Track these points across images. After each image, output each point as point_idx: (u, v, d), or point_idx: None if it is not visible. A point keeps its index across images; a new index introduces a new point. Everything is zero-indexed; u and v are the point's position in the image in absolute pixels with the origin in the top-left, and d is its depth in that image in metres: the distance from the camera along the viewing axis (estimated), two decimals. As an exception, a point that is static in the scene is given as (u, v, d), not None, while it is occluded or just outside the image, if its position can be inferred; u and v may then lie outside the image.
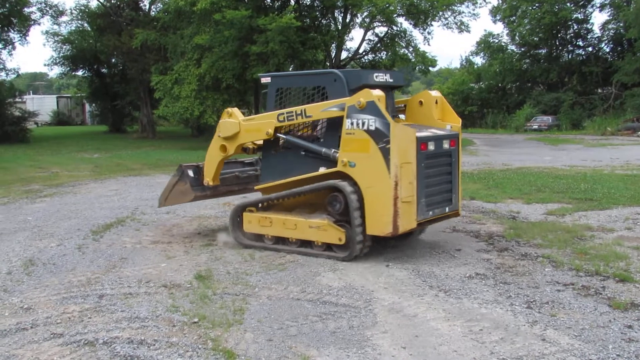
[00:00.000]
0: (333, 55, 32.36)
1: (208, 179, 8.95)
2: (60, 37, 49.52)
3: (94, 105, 59.05)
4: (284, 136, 8.35)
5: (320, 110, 7.97)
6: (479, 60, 55.66)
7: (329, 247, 7.93)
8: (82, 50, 48.61)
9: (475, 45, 55.16)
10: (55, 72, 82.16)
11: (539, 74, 48.47)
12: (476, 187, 14.37)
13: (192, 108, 29.35)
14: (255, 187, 8.91)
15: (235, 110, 8.74)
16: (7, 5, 40.20)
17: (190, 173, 9.09)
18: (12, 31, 42.97)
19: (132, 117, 50.97)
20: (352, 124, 7.62)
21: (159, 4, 43.38)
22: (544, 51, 50.16)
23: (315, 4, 31.97)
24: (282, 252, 8.20)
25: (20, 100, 45.33)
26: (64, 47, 50.34)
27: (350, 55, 34.53)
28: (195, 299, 6.32)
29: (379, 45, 32.96)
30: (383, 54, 33.66)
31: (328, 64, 32.38)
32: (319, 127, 8.44)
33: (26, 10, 42.41)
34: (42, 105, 59.86)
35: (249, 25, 26.94)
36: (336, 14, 32.25)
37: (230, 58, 28.20)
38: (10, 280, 7.14)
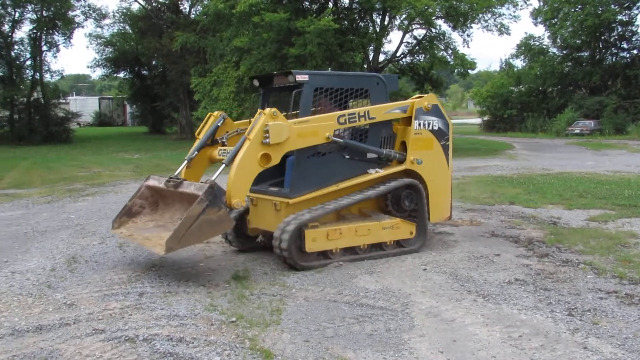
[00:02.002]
0: (371, 57, 32.28)
1: (239, 199, 7.03)
2: (102, 39, 50.67)
3: (134, 106, 60.19)
4: (341, 140, 7.87)
5: (383, 112, 8.18)
6: (519, 63, 54.97)
7: (398, 244, 8.21)
8: (123, 52, 49.60)
9: (515, 47, 54.33)
10: (97, 73, 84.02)
11: (581, 77, 47.56)
12: (516, 192, 14.16)
13: (230, 110, 29.60)
14: (291, 201, 7.63)
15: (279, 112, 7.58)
16: (52, 9, 41.29)
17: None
18: (57, 34, 44.15)
19: (172, 118, 51.75)
20: (419, 124, 8.38)
21: (198, 7, 44.02)
22: (586, 54, 49.22)
23: (354, 6, 31.94)
24: (353, 262, 7.71)
25: (64, 101, 46.49)
26: (107, 49, 51.47)
27: (387, 57, 34.43)
28: (233, 299, 6.38)
29: (417, 47, 32.76)
30: (421, 57, 33.46)
31: (366, 66, 32.31)
32: (357, 130, 8.37)
33: (70, 13, 43.63)
34: (85, 107, 61.27)
35: (288, 28, 27.06)
36: (374, 16, 32.14)
37: (268, 60, 28.37)
38: (54, 276, 7.30)
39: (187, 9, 46.54)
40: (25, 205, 13.19)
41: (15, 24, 42.30)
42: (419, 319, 5.79)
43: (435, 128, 8.50)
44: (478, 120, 59.13)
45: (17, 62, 42.94)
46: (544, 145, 34.20)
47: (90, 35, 53.84)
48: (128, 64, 53.00)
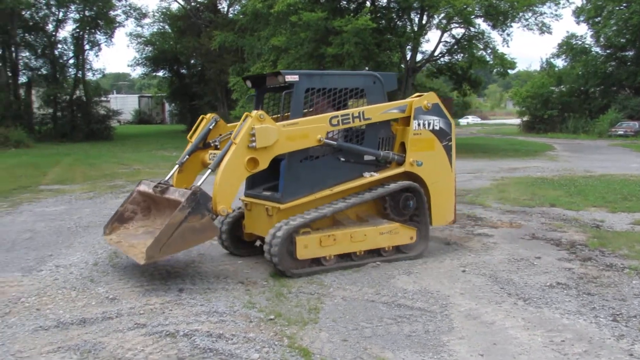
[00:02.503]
0: (408, 57, 32.09)
1: (224, 206, 6.72)
2: (142, 38, 51.44)
3: (173, 104, 61.02)
4: (334, 142, 7.51)
5: (380, 113, 7.83)
6: (560, 63, 53.89)
7: (397, 250, 7.91)
8: (163, 51, 50.28)
9: (556, 47, 53.32)
10: (137, 72, 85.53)
11: (625, 77, 46.37)
12: (557, 194, 13.89)
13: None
14: (282, 206, 7.27)
15: (267, 115, 7.15)
16: (94, 9, 42.11)
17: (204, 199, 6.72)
18: (99, 33, 45.01)
19: (210, 117, 52.27)
20: (419, 124, 8.01)
21: (237, 6, 44.36)
22: (631, 53, 47.94)
23: (391, 5, 31.78)
24: (347, 269, 7.41)
25: (105, 99, 47.38)
26: (146, 48, 52.24)
27: (425, 57, 34.17)
28: (271, 297, 6.41)
29: (455, 47, 32.43)
30: (459, 56, 33.12)
31: (403, 65, 32.14)
32: (352, 132, 7.96)
33: (112, 13, 44.35)
34: (125, 105, 62.32)
35: (325, 27, 27.08)
36: (412, 15, 31.95)
37: (305, 60, 28.41)
38: (97, 271, 7.44)
39: (226, 9, 47.04)
40: (68, 201, 13.48)
41: (59, 23, 43.32)
42: (458, 321, 5.73)
43: (437, 128, 8.12)
44: (517, 121, 58.31)
45: (61, 61, 43.98)
46: (585, 147, 33.52)
47: (130, 34, 54.89)
48: (167, 62, 53.73)
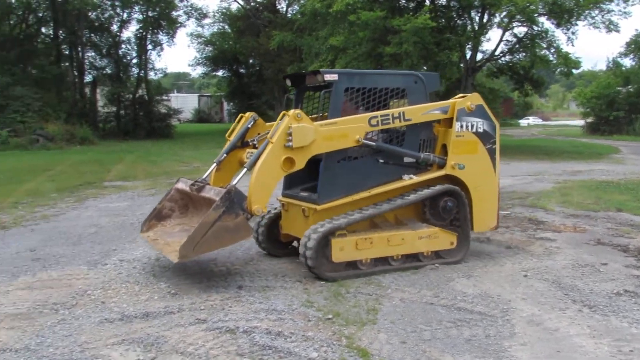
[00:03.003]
0: (468, 56, 31.59)
1: (259, 206, 6.64)
2: (203, 38, 52.32)
3: (231, 104, 61.80)
4: (373, 143, 7.35)
5: (421, 114, 7.61)
6: (628, 62, 51.91)
7: (437, 255, 7.69)
8: (222, 51, 51.05)
9: (624, 45, 51.36)
10: (197, 72, 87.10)
11: (697, 77, 44.35)
12: (623, 198, 13.40)
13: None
14: (319, 207, 7.18)
15: (304, 114, 7.00)
16: (157, 10, 43.14)
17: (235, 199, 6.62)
18: (161, 33, 46.09)
19: (267, 116, 52.80)
20: (461, 126, 7.78)
21: (295, 6, 44.64)
22: (703, 52, 45.84)
23: (452, 4, 31.33)
24: (382, 273, 7.22)
25: (166, 98, 48.49)
26: (206, 48, 53.14)
27: (485, 56, 33.56)
28: (329, 296, 6.41)
29: (517, 46, 31.70)
30: (521, 55, 32.34)
31: (462, 65, 31.67)
32: (392, 133, 7.81)
33: (173, 13, 45.34)
34: (185, 103, 63.59)
35: (384, 26, 26.92)
36: (473, 14, 31.39)
37: (363, 59, 28.32)
38: (158, 266, 7.62)
39: (284, 9, 47.39)
40: (131, 197, 13.85)
41: (123, 24, 44.59)
42: (520, 326, 5.60)
43: (480, 130, 7.84)
44: (580, 122, 56.55)
45: (124, 61, 45.27)
46: (653, 149, 32.26)
47: (191, 34, 55.90)
48: (226, 62, 54.51)
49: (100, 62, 44.96)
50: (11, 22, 40.77)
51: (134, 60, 46.16)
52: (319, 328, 5.47)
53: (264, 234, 8.09)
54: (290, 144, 6.70)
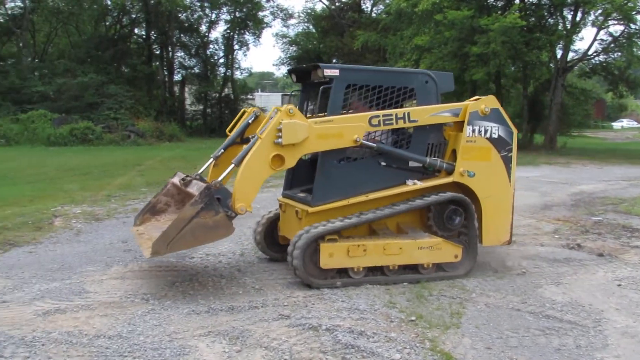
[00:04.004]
0: (558, 56, 30.48)
1: (243, 204, 6.23)
2: (287, 38, 52.95)
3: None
4: (375, 144, 6.90)
5: (428, 115, 7.04)
6: None
7: (439, 267, 7.11)
8: (306, 51, 51.41)
9: None
10: (281, 71, 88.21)
11: None
12: None
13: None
14: (311, 210, 6.76)
15: (296, 110, 6.55)
16: (244, 10, 44.15)
17: (218, 196, 6.27)
18: (248, 34, 47.12)
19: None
20: (473, 131, 7.17)
21: (380, 6, 44.49)
22: None
23: (543, 2, 30.32)
24: (374, 284, 6.72)
25: (250, 97, 49.52)
26: (291, 48, 53.72)
27: (577, 56, 32.25)
28: (412, 297, 6.34)
29: (612, 45, 30.29)
30: (616, 55, 30.86)
31: (553, 65, 30.60)
32: (400, 134, 7.31)
33: (260, 14, 46.24)
34: (269, 102, 64.41)
35: (470, 26, 26.41)
36: (565, 12, 30.26)
37: (449, 59, 27.91)
38: (243, 261, 7.78)
39: (369, 8, 47.27)
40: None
41: (212, 25, 45.95)
42: (613, 337, 5.35)
43: (495, 136, 7.19)
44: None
45: (212, 60, 46.66)
46: None
47: (276, 34, 56.87)
48: (310, 62, 54.92)
49: (189, 62, 46.61)
50: (106, 23, 42.82)
51: (221, 60, 47.50)
52: (402, 329, 5.42)
53: (262, 235, 7.81)
54: (279, 140, 6.29)
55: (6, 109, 31.87)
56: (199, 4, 43.92)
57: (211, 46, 46.84)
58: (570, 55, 31.66)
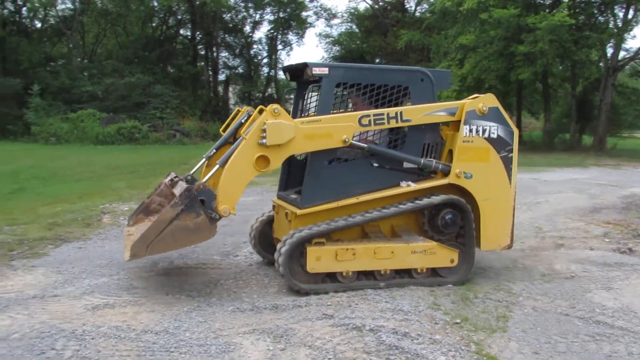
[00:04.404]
0: (609, 55, 29.71)
1: (227, 206, 6.04)
2: (331, 38, 53.03)
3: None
4: (365, 145, 6.62)
5: (422, 114, 6.75)
6: None
7: (434, 272, 6.87)
8: (349, 50, 51.38)
9: None
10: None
11: None
12: None
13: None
14: (299, 212, 6.55)
15: (282, 109, 6.28)
16: (287, 10, 44.39)
17: (202, 198, 6.09)
18: (291, 34, 47.40)
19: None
20: (470, 130, 6.84)
21: (424, 5, 44.12)
22: None
23: (593, 0, 29.58)
24: (363, 288, 6.51)
25: (292, 97, 49.70)
26: (334, 48, 53.78)
27: (629, 55, 31.37)
28: (457, 300, 6.27)
29: (666, 43, 29.38)
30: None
31: (602, 64, 29.85)
32: (391, 135, 7.03)
33: (303, 14, 46.43)
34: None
35: (517, 24, 25.95)
36: (616, 10, 29.48)
37: (494, 58, 27.48)
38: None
39: (413, 8, 46.95)
40: (259, 192, 14.29)
41: (255, 25, 46.35)
42: (667, 345, 5.18)
43: (493, 136, 6.85)
44: None
45: (255, 60, 47.10)
46: None
47: (319, 34, 57.00)
48: (353, 61, 54.87)
49: (233, 62, 47.17)
50: (153, 24, 43.60)
51: (265, 60, 47.87)
52: (447, 332, 5.36)
53: (257, 237, 7.69)
54: (264, 141, 6.10)
55: (57, 109, 32.74)
56: (243, 4, 44.37)
57: (255, 46, 47.34)
58: (622, 54, 30.85)
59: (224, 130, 7.36)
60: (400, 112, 6.64)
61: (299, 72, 7.12)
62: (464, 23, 28.91)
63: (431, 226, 6.90)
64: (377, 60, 50.95)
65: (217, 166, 6.40)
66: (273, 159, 6.21)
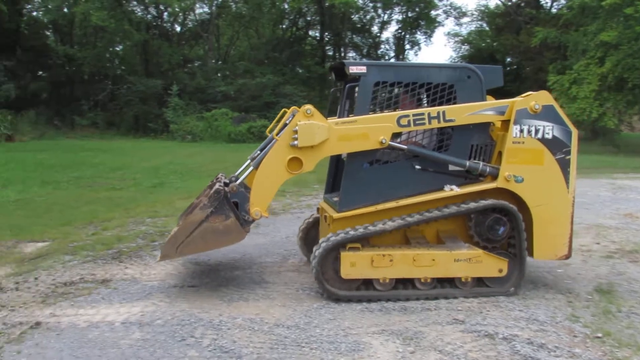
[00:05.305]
0: None
1: (259, 209, 6.09)
2: (459, 37, 51.98)
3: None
4: (405, 146, 6.28)
5: (467, 114, 6.30)
6: None
7: (480, 282, 6.41)
8: (479, 49, 50.10)
9: None
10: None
11: None
12: None
13: (589, 110, 27.60)
14: (335, 216, 6.34)
15: (315, 110, 6.19)
16: (416, 10, 44.05)
17: (234, 200, 6.14)
18: (419, 33, 46.97)
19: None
20: (521, 131, 6.29)
21: (561, 1, 42.04)
22: None
23: None
24: (402, 299, 6.17)
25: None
26: (463, 47, 52.69)
27: None
28: (597, 313, 5.90)
29: None
30: None
31: None
32: (433, 136, 6.64)
33: (433, 13, 45.87)
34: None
35: (666, 19, 24.09)
36: None
37: (639, 56, 25.65)
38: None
39: (549, 4, 44.87)
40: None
41: (383, 25, 46.34)
42: None
43: (548, 136, 6.28)
44: None
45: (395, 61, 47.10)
46: None
47: (448, 33, 56.05)
48: (482, 60, 53.29)
49: (360, 62, 47.36)
50: (283, 26, 44.87)
51: (392, 60, 47.69)
52: (587, 346, 5.06)
53: (302, 240, 7.64)
54: (295, 142, 5.99)
55: (193, 108, 34.61)
56: (371, 4, 44.55)
57: (382, 46, 47.43)
58: None
59: (270, 131, 7.02)
60: (443, 112, 6.26)
61: (343, 71, 6.81)
62: (605, 19, 27.20)
63: (478, 233, 6.46)
64: (508, 59, 49.29)
65: (251, 168, 6.34)
66: (306, 161, 6.11)
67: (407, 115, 6.19)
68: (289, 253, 8.05)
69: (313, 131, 5.99)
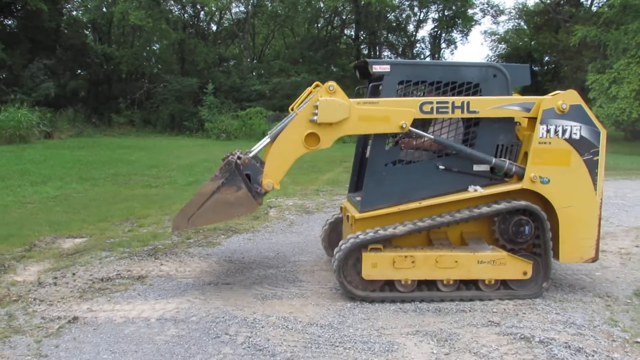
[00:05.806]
0: None
1: (271, 180, 6.07)
2: (497, 36, 51.33)
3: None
4: (423, 133, 6.18)
5: (491, 107, 6.14)
6: None
7: (504, 285, 6.26)
8: (516, 48, 49.44)
9: None
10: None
11: None
12: None
13: (629, 110, 26.99)
14: (357, 216, 6.29)
15: (338, 87, 6.06)
16: (453, 8, 43.67)
17: (246, 172, 6.09)
18: (455, 32, 46.56)
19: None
20: (548, 131, 6.14)
21: (602, -1, 41.22)
22: None
23: None
24: (427, 300, 6.11)
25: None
26: (500, 45, 52.02)
27: None
28: (637, 317, 5.78)
29: None
30: None
31: None
32: (459, 135, 6.50)
33: (469, 11, 45.42)
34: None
35: None
36: None
37: (683, 55, 25.01)
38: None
39: (589, 2, 44.05)
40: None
41: (419, 23, 46.06)
42: None
43: (576, 137, 6.13)
44: None
45: (419, 60, 46.80)
46: None
47: (485, 32, 55.42)
48: (519, 59, 52.55)
49: (395, 61, 47.19)
50: (318, 25, 44.93)
51: (427, 59, 47.36)
52: (626, 351, 4.95)
53: (326, 239, 7.64)
54: (315, 117, 5.95)
55: (228, 106, 34.91)
56: (407, 3, 44.32)
57: (417, 45, 47.11)
58: None
59: (292, 109, 6.78)
60: (467, 102, 6.13)
61: (367, 69, 6.66)
62: (647, 17, 26.59)
63: (502, 235, 6.34)
64: (546, 58, 48.50)
65: (268, 139, 6.28)
66: (323, 137, 6.06)
67: (431, 102, 6.11)
68: (322, 252, 8.05)
69: (334, 108, 5.97)
